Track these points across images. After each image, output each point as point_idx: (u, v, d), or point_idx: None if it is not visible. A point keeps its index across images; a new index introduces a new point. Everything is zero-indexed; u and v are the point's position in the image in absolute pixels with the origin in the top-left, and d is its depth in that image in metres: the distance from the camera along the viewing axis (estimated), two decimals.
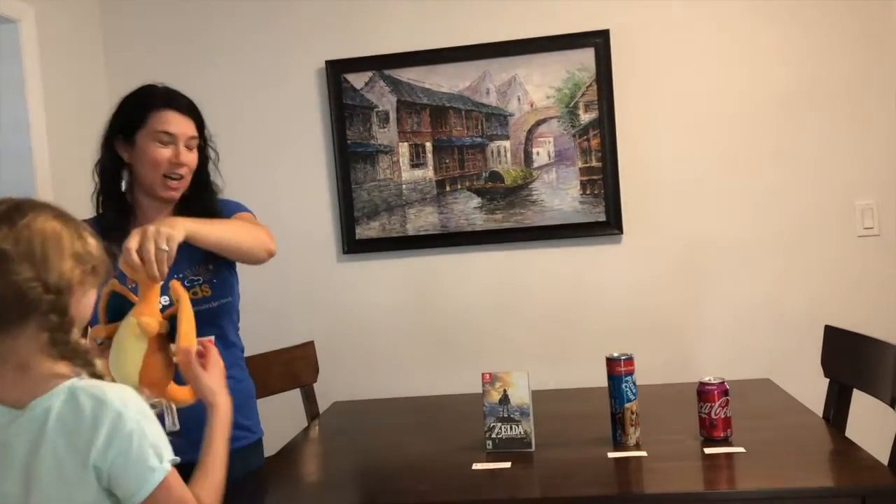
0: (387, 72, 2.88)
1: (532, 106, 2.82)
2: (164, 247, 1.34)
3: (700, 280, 2.81)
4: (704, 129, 2.79)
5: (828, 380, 2.02)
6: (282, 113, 2.95)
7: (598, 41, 2.77)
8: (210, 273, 1.74)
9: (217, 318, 1.76)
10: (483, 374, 1.83)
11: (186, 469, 1.18)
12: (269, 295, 2.87)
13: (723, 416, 1.74)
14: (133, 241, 1.33)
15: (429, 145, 2.88)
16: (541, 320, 2.87)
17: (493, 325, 2.89)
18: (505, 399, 1.80)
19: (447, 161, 2.87)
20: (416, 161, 2.89)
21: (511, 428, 1.80)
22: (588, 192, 2.81)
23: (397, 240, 2.90)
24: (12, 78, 2.46)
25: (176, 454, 1.13)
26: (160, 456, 1.09)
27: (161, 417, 1.18)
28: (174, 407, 1.57)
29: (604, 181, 2.80)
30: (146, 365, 1.29)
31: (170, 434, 1.14)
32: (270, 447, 1.97)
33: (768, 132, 2.76)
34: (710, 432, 1.75)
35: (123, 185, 1.76)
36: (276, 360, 2.37)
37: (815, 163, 2.75)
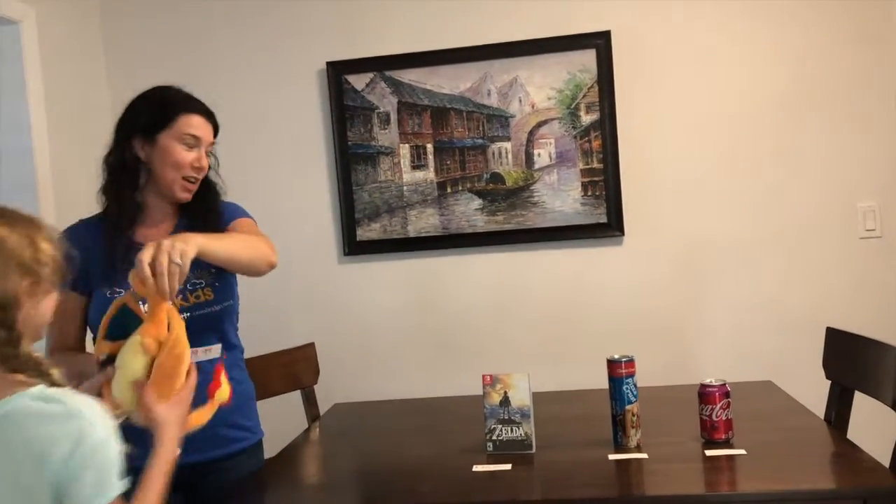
0: (388, 73, 2.87)
1: (533, 107, 2.82)
2: (178, 261, 1.33)
3: (701, 282, 2.80)
4: (706, 130, 2.78)
5: (829, 382, 2.01)
6: (283, 114, 2.95)
7: (600, 42, 2.77)
8: (212, 276, 1.74)
9: (219, 322, 1.76)
10: (483, 376, 1.83)
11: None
12: (270, 296, 2.87)
13: (724, 418, 1.74)
14: (147, 254, 1.32)
15: (430, 147, 2.87)
16: (542, 322, 2.86)
17: (493, 327, 2.89)
18: (505, 401, 1.80)
19: (448, 162, 2.87)
20: (417, 162, 2.88)
21: (511, 430, 1.79)
22: (589, 193, 2.81)
23: (398, 241, 2.90)
24: (13, 78, 2.47)
25: (132, 462, 1.12)
26: (118, 474, 1.08)
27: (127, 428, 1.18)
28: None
29: (605, 183, 2.79)
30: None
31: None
32: (271, 449, 1.97)
33: (769, 133, 2.76)
34: (711, 434, 1.74)
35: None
36: (277, 361, 2.37)
37: (816, 164, 2.74)
